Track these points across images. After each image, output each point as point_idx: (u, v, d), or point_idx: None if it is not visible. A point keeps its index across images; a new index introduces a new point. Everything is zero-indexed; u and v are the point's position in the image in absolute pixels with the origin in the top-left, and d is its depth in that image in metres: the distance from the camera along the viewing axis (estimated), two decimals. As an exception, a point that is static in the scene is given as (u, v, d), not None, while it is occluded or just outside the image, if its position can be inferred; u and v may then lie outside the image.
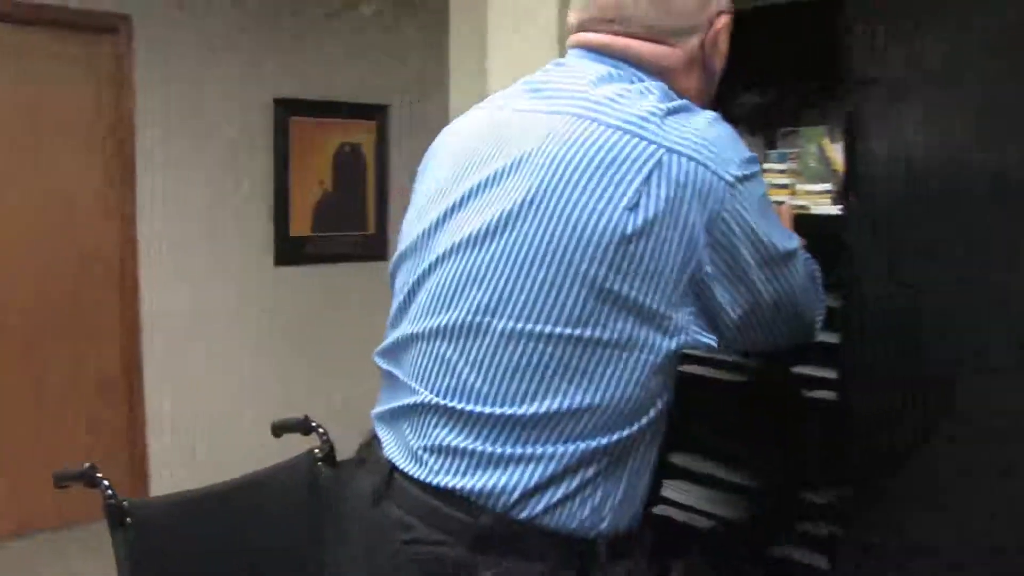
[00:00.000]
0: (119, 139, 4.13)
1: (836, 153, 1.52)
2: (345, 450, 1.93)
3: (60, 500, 3.87)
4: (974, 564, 1.35)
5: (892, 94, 1.18)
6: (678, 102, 1.14)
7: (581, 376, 1.08)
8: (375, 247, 4.92)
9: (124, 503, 1.73)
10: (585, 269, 1.06)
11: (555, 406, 1.09)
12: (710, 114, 1.14)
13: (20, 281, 3.98)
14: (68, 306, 4.10)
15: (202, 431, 4.42)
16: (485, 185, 1.16)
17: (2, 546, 3.91)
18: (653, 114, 1.10)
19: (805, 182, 1.55)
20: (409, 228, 1.29)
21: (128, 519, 1.71)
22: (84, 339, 4.16)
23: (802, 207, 1.50)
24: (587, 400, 1.09)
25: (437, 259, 1.19)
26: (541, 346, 1.08)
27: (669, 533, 1.63)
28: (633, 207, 1.05)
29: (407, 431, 1.18)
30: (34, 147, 3.96)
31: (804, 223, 1.43)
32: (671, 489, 1.68)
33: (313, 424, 2.08)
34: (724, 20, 1.25)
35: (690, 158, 1.07)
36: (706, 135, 1.10)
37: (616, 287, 1.06)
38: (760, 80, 1.70)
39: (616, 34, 1.22)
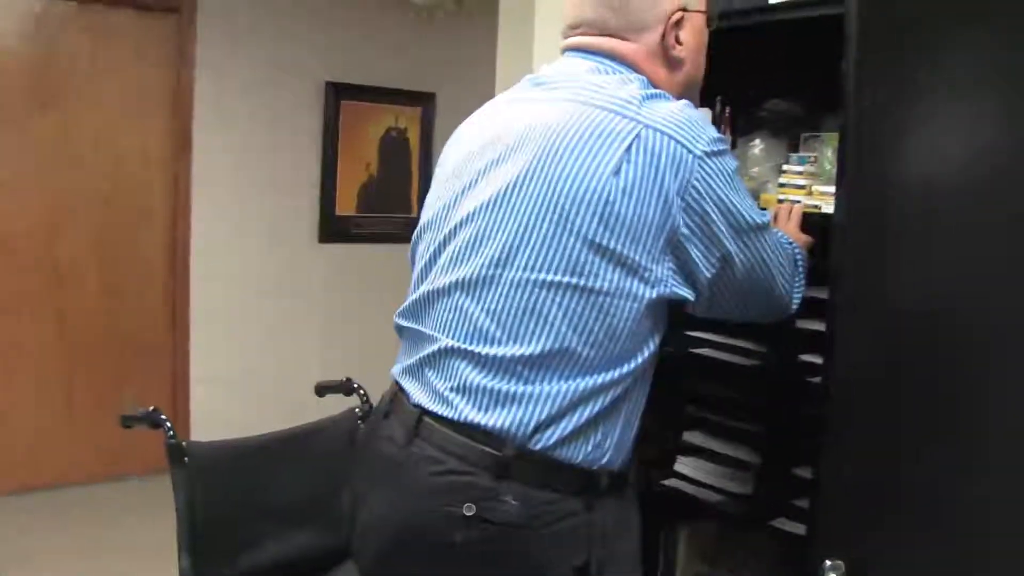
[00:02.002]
0: (178, 112, 4.32)
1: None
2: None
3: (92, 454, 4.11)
4: (951, 540, 1.45)
5: (884, 108, 1.28)
6: (656, 91, 1.33)
7: (578, 319, 1.25)
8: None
9: (183, 443, 1.88)
10: (579, 225, 1.24)
11: (557, 345, 1.25)
12: (683, 101, 1.32)
13: (84, 233, 4.20)
14: (125, 258, 4.32)
15: (243, 390, 4.55)
16: (495, 162, 1.35)
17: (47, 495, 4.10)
18: (634, 97, 1.29)
19: (822, 184, 1.65)
20: (428, 207, 1.48)
21: (186, 458, 1.87)
22: (135, 294, 4.36)
23: (815, 207, 1.61)
24: (583, 340, 1.26)
25: (455, 227, 1.37)
26: (544, 292, 1.25)
27: (680, 503, 1.75)
28: (616, 172, 1.23)
29: (432, 377, 1.34)
30: (101, 116, 4.17)
31: (816, 222, 1.55)
32: (683, 464, 1.80)
33: (355, 385, 2.21)
34: (678, 16, 1.40)
35: (664, 133, 1.25)
36: (679, 116, 1.27)
37: (604, 241, 1.23)
38: (785, 87, 1.81)
39: (586, 35, 1.42)
